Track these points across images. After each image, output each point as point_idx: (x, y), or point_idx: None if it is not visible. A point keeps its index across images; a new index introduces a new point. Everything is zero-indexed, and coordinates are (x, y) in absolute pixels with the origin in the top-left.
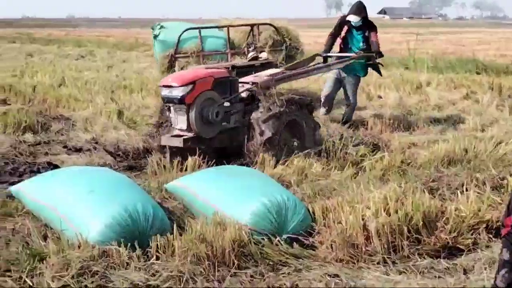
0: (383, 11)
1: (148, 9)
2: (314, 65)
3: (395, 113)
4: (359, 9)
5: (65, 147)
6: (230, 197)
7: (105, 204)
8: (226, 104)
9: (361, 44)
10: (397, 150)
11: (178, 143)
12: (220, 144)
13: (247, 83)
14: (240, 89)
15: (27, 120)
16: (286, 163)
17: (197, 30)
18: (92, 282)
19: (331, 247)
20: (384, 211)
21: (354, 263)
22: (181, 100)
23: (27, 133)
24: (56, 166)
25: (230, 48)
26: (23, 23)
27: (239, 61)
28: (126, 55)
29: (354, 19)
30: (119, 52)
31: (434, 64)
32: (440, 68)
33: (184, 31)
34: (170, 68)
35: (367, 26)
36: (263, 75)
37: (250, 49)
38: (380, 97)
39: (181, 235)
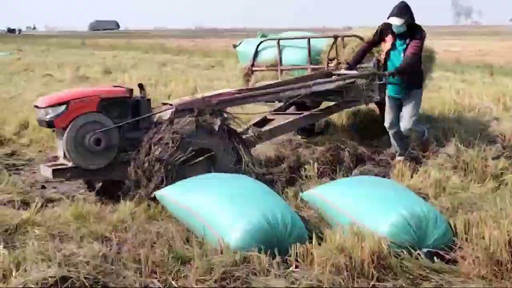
0: None
1: (273, 20)
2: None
3: None
4: (401, 9)
5: None
6: (367, 207)
7: (245, 211)
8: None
9: (400, 58)
10: None
11: (48, 173)
12: (123, 177)
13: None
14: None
15: None
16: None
17: (287, 41)
18: (234, 287)
19: (474, 263)
20: None
21: (499, 281)
22: (49, 124)
23: None
24: None
25: (312, 63)
26: (155, 34)
27: None
28: None
29: (395, 21)
30: None
31: None
32: None
33: (261, 42)
34: (247, 82)
35: (412, 34)
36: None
37: (331, 65)
38: None
39: (319, 244)
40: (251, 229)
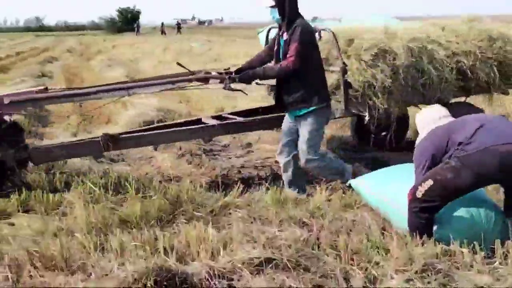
0: None
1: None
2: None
3: None
4: None
5: None
6: None
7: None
8: None
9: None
10: None
11: None
12: None
13: None
14: None
15: None
16: None
17: None
18: (435, 280)
19: None
20: None
21: None
22: None
23: None
24: (384, 163)
25: None
26: None
27: None
28: None
29: (265, 3)
30: None
31: None
32: None
33: (270, 29)
34: None
35: (292, 31)
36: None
37: None
38: None
39: None
40: (453, 221)
